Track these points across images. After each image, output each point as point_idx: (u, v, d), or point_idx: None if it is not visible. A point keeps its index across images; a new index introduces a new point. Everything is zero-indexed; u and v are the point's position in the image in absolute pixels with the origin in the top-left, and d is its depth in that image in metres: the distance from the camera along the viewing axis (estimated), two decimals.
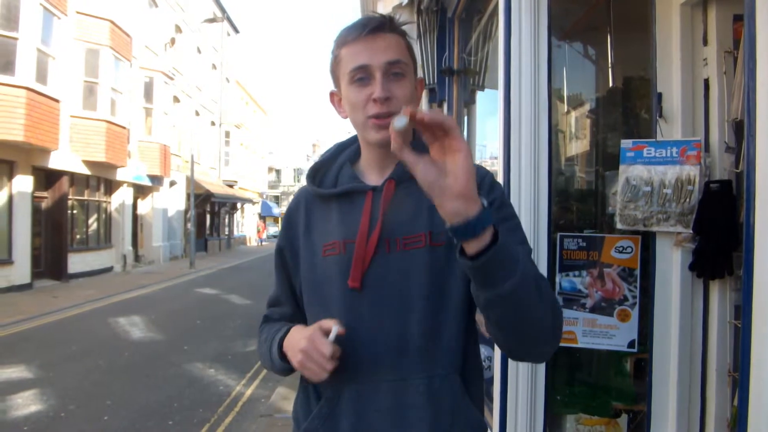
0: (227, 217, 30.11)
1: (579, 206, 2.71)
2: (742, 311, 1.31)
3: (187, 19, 21.85)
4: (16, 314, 8.90)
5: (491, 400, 2.33)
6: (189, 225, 19.96)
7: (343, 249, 1.05)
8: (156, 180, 18.43)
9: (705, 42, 1.93)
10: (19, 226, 11.82)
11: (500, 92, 2.26)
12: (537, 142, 2.14)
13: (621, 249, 2.16)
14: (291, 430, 1.14)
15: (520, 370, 2.16)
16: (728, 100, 1.83)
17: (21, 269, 11.84)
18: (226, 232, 30.07)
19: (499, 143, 2.28)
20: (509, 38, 2.18)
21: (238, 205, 32.09)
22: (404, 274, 1.01)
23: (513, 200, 2.06)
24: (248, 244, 35.97)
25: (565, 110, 2.93)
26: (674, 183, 1.94)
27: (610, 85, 2.67)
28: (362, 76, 1.01)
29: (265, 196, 43.81)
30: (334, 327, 0.95)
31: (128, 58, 15.38)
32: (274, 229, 48.79)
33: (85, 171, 14.19)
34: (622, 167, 2.05)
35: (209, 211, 26.15)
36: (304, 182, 1.22)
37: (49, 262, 13.28)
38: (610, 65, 2.63)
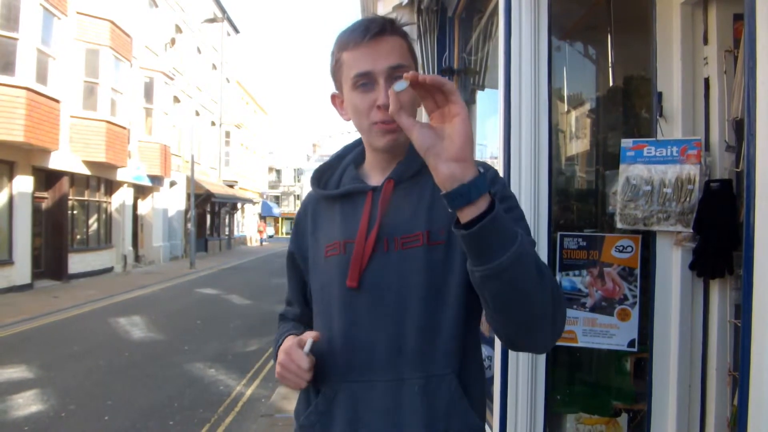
0: (227, 217, 30.11)
1: (579, 205, 2.72)
2: (742, 310, 1.31)
3: (187, 19, 21.85)
4: (17, 314, 8.91)
5: (491, 399, 2.33)
6: (189, 225, 19.96)
7: (343, 249, 1.06)
8: (156, 180, 18.44)
9: (705, 41, 1.93)
10: (20, 227, 11.83)
11: (500, 92, 2.26)
12: (537, 142, 2.14)
13: (621, 248, 2.16)
14: (292, 430, 1.14)
15: (520, 369, 2.16)
16: (728, 99, 1.83)
17: (21, 269, 11.84)
18: (227, 233, 30.07)
19: (499, 143, 2.28)
20: (509, 38, 2.18)
21: (239, 205, 32.10)
22: (402, 274, 1.01)
23: None
24: (249, 244, 35.97)
25: (566, 110, 2.92)
26: (674, 182, 1.94)
27: (611, 84, 2.67)
28: (365, 81, 1.01)
29: (265, 196, 43.82)
30: (309, 339, 1.00)
31: (128, 58, 15.38)
32: (271, 230, 48.86)
33: (86, 171, 14.20)
34: (622, 166, 2.05)
35: (209, 212, 26.15)
36: (304, 182, 1.24)
37: (50, 263, 13.28)
38: (610, 64, 2.63)
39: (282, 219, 56.03)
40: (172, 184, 20.71)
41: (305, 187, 51.29)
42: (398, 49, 1.02)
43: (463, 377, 1.01)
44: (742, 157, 1.70)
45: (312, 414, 1.06)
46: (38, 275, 12.59)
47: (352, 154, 1.18)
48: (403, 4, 4.04)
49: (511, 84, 2.16)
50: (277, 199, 55.20)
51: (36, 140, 11.24)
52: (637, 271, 2.14)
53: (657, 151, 1.98)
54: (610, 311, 2.16)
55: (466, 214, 0.78)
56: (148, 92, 17.48)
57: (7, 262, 11.47)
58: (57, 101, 12.10)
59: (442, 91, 0.78)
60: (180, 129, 20.97)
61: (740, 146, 1.76)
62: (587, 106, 2.91)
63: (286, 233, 55.54)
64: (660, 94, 2.01)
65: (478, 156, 3.81)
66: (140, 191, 18.42)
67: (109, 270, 15.91)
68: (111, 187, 16.38)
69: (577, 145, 2.89)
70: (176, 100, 20.51)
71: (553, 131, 2.27)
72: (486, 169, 1.05)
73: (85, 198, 15.20)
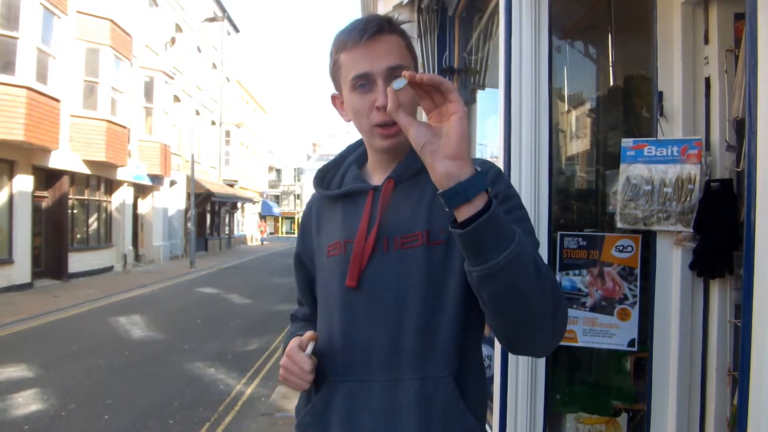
0: (227, 216, 30.12)
1: (579, 205, 2.71)
2: (742, 310, 1.31)
3: (187, 18, 21.85)
4: (17, 314, 8.91)
5: (491, 398, 2.33)
6: (189, 224, 19.97)
7: (344, 249, 1.06)
8: (156, 179, 18.44)
9: (706, 40, 1.93)
10: (20, 226, 11.83)
11: (501, 91, 2.26)
12: (537, 141, 2.14)
13: (621, 248, 2.15)
14: (292, 428, 1.14)
15: (520, 368, 2.16)
16: (729, 98, 1.83)
17: (21, 269, 11.84)
18: (227, 232, 30.08)
19: (499, 142, 2.28)
20: (510, 37, 2.18)
21: (239, 205, 32.11)
22: (401, 274, 1.00)
23: None
24: (249, 243, 35.98)
25: (566, 109, 2.92)
26: (675, 182, 1.93)
27: (611, 83, 2.67)
28: (364, 83, 1.00)
29: (265, 196, 43.84)
30: (311, 342, 1.02)
31: (128, 57, 15.38)
32: (270, 229, 48.96)
33: (86, 170, 14.20)
34: (622, 166, 2.05)
35: (209, 211, 26.16)
36: (304, 182, 1.25)
37: (50, 262, 13.29)
38: (610, 64, 2.63)
39: (282, 218, 56.07)
40: (172, 183, 20.71)
41: (305, 187, 51.38)
42: (396, 48, 1.01)
43: (461, 380, 0.99)
44: (742, 156, 1.70)
45: (309, 414, 1.06)
46: (38, 274, 12.59)
47: (355, 154, 1.18)
48: (404, 3, 4.04)
49: (511, 83, 2.16)
50: (277, 199, 55.21)
51: (36, 139, 11.24)
52: (637, 271, 2.13)
53: (657, 150, 1.98)
54: (610, 311, 2.16)
55: (463, 213, 0.78)
56: (149, 91, 17.48)
57: (7, 261, 11.47)
58: (57, 100, 12.10)
59: (440, 90, 0.78)
60: (180, 128, 20.97)
61: (741, 146, 1.76)
62: (587, 106, 2.90)
63: (286, 232, 55.65)
64: (660, 94, 2.01)
65: (478, 156, 3.81)
66: (140, 190, 18.43)
67: (109, 269, 15.92)
68: (111, 186, 16.38)
69: (578, 145, 2.89)
70: (176, 99, 20.51)
71: (554, 131, 2.27)
72: (488, 168, 1.04)
73: (85, 197, 15.20)
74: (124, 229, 17.06)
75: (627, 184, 2.02)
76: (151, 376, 5.62)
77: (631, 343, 2.14)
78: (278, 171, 56.95)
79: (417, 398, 0.97)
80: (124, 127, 15.18)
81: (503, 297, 0.83)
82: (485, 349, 2.60)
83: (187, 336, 7.58)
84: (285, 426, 4.17)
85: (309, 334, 1.04)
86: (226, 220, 29.99)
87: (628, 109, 2.59)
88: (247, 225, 36.99)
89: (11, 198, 11.65)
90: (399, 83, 0.79)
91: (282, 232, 55.89)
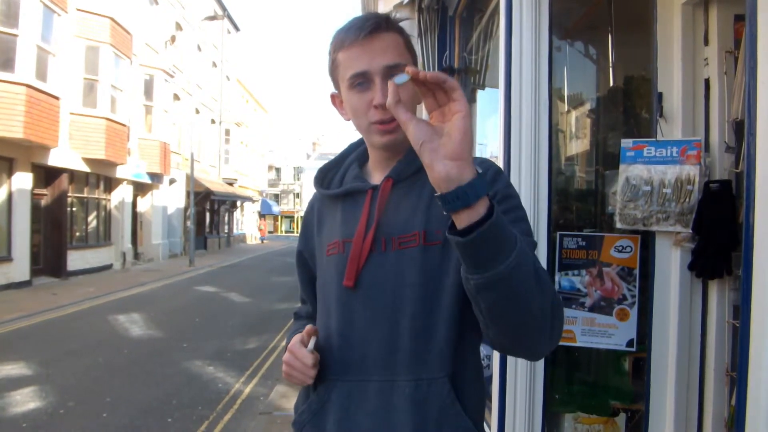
0: (227, 215, 30.11)
1: (579, 205, 2.72)
2: (741, 311, 1.31)
3: (187, 16, 21.82)
4: (16, 311, 8.90)
5: (490, 398, 2.34)
6: (189, 223, 19.96)
7: (342, 248, 1.06)
8: (156, 178, 18.43)
9: (706, 42, 1.93)
10: (19, 224, 11.81)
11: (501, 91, 2.26)
12: (537, 141, 2.14)
13: (620, 248, 2.16)
14: (291, 427, 1.14)
15: (518, 368, 2.16)
16: (729, 100, 1.83)
17: (20, 266, 11.84)
18: (226, 230, 30.07)
19: (499, 142, 2.28)
20: (510, 37, 2.18)
21: (238, 203, 32.10)
22: (398, 274, 1.00)
23: None
24: (248, 241, 35.97)
25: (566, 109, 2.93)
26: (674, 183, 1.94)
27: (611, 84, 2.68)
28: (362, 81, 1.00)
29: (265, 195, 43.83)
30: (312, 337, 1.02)
31: (128, 55, 15.37)
32: (269, 227, 49.05)
33: (85, 168, 14.19)
34: (622, 167, 2.05)
35: (209, 209, 26.15)
36: (303, 180, 1.25)
37: (49, 260, 13.28)
38: (610, 64, 2.63)
39: (281, 217, 56.06)
40: (172, 181, 20.70)
41: (305, 186, 51.35)
42: (394, 46, 1.01)
43: (457, 381, 0.98)
44: (741, 157, 1.70)
45: (305, 412, 1.06)
46: (37, 272, 12.58)
47: (356, 153, 1.18)
48: (404, 2, 4.05)
49: (511, 83, 2.17)
50: (277, 198, 55.19)
51: (35, 137, 11.22)
52: (636, 271, 2.14)
53: (657, 151, 1.98)
54: (608, 311, 2.17)
55: (463, 219, 0.74)
56: (148, 90, 17.46)
57: (6, 258, 11.46)
58: (57, 98, 12.08)
59: (444, 88, 0.74)
60: (180, 127, 20.95)
61: (740, 147, 1.76)
62: (587, 106, 2.91)
63: (286, 231, 55.64)
64: (660, 95, 2.01)
65: (477, 155, 3.80)
66: (140, 189, 18.41)
67: (108, 267, 15.91)
68: (110, 184, 16.37)
69: (577, 145, 2.89)
70: (176, 97, 20.50)
71: (553, 131, 2.27)
72: (487, 167, 1.03)
73: (85, 195, 15.19)
74: (124, 228, 17.05)
75: (626, 185, 2.03)
76: (149, 374, 5.62)
77: (629, 344, 2.15)
78: (278, 170, 56.92)
79: (411, 399, 0.97)
80: (124, 125, 15.17)
81: (502, 305, 0.80)
82: (484, 349, 2.60)
83: (186, 334, 7.57)
84: (284, 425, 4.17)
85: (309, 329, 1.04)
86: (226, 218, 29.98)
87: (628, 109, 2.60)
88: (247, 224, 36.98)
89: (10, 196, 11.63)
90: (401, 78, 0.75)
91: (281, 231, 55.89)
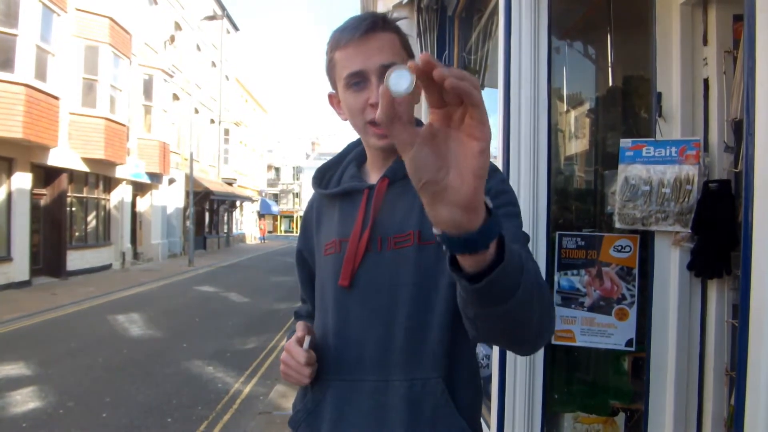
0: (226, 214, 30.10)
1: (578, 205, 2.72)
2: (740, 310, 1.31)
3: (186, 16, 21.82)
4: (15, 311, 8.90)
5: (489, 398, 2.34)
6: (188, 223, 19.96)
7: (339, 248, 1.06)
8: (155, 177, 18.42)
9: (705, 42, 1.93)
10: (18, 223, 11.81)
11: (500, 91, 2.26)
12: (536, 141, 2.14)
13: (619, 248, 2.16)
14: None
15: (518, 368, 2.17)
16: (728, 99, 1.84)
17: (20, 266, 11.83)
18: (225, 230, 30.06)
19: (498, 142, 2.28)
20: (509, 37, 2.18)
21: (237, 203, 32.09)
22: (393, 274, 1.00)
23: None
24: (248, 241, 35.96)
25: (565, 109, 2.93)
26: (673, 182, 1.94)
27: (610, 84, 2.68)
28: (358, 80, 1.00)
29: (264, 194, 43.81)
30: (307, 336, 1.02)
31: (128, 55, 15.36)
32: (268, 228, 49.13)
33: (84, 168, 14.18)
34: (621, 166, 2.05)
35: (208, 209, 26.14)
36: (303, 180, 1.25)
37: (48, 260, 13.27)
38: (609, 64, 2.63)
39: (281, 217, 56.06)
40: (171, 181, 20.69)
41: (304, 185, 51.36)
42: (390, 45, 1.01)
43: (451, 382, 0.98)
44: (740, 157, 1.70)
45: (301, 411, 1.07)
46: (36, 272, 12.57)
47: (354, 153, 1.18)
48: (403, 2, 4.04)
49: (510, 83, 2.17)
50: (276, 197, 55.17)
51: (35, 137, 11.22)
52: (636, 271, 2.14)
53: (656, 151, 1.99)
54: (608, 311, 2.17)
55: (470, 263, 0.62)
56: (148, 89, 17.45)
57: (6, 258, 11.45)
58: (56, 98, 12.07)
59: (465, 101, 0.54)
60: (179, 126, 20.95)
61: (739, 147, 1.76)
62: (586, 106, 2.91)
63: (285, 231, 55.64)
64: (659, 95, 2.01)
65: None
66: (139, 188, 18.40)
67: (108, 267, 15.90)
68: (110, 184, 16.36)
69: (576, 145, 2.89)
70: (175, 97, 20.49)
71: (553, 131, 2.27)
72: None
73: (84, 195, 15.18)
74: (123, 227, 17.04)
75: (625, 185, 2.03)
76: (149, 374, 5.62)
77: (629, 343, 2.15)
78: (277, 169, 56.90)
79: (405, 399, 0.97)
80: (123, 125, 15.16)
81: (499, 328, 0.74)
82: (484, 349, 2.61)
83: (185, 334, 7.57)
84: (283, 424, 4.17)
85: (305, 328, 1.05)
86: (225, 218, 29.97)
87: (627, 109, 2.60)
88: (246, 223, 36.97)
89: (10, 195, 11.62)
90: (400, 83, 0.55)
91: (280, 231, 55.89)
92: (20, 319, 8.40)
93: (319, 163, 1.24)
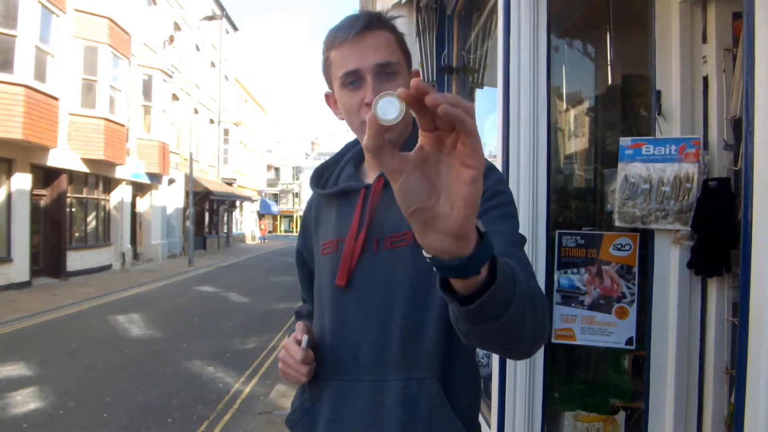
0: (226, 215, 30.10)
1: (578, 204, 2.72)
2: (740, 308, 1.31)
3: (185, 16, 21.81)
4: (15, 312, 8.90)
5: (489, 397, 2.34)
6: (188, 223, 19.95)
7: (336, 247, 1.06)
8: (155, 178, 18.42)
9: (704, 40, 1.93)
10: (18, 224, 11.81)
11: (499, 90, 2.26)
12: (536, 140, 2.14)
13: (619, 246, 2.16)
14: None
15: (518, 367, 2.17)
16: (727, 97, 1.84)
17: (20, 267, 11.83)
18: (225, 230, 30.06)
19: (497, 141, 2.28)
20: (508, 36, 2.18)
21: (237, 203, 32.09)
22: (389, 273, 1.00)
23: None
24: (248, 241, 35.95)
25: (564, 108, 2.92)
26: (673, 181, 1.94)
27: (609, 82, 2.67)
28: (353, 80, 1.00)
29: (263, 194, 43.82)
30: (305, 335, 1.03)
31: (127, 55, 15.35)
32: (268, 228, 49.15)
33: (84, 169, 14.18)
34: (620, 165, 2.05)
35: (208, 209, 26.14)
36: (302, 180, 1.25)
37: (48, 260, 13.27)
38: (609, 63, 2.63)
39: (280, 217, 56.07)
40: (171, 181, 20.69)
41: (304, 185, 51.33)
42: (386, 44, 1.00)
43: (447, 382, 0.98)
44: (740, 155, 1.70)
45: (298, 410, 1.08)
46: (37, 273, 12.57)
47: (352, 152, 1.18)
48: (402, 2, 4.04)
49: (510, 82, 2.17)
50: (276, 197, 55.17)
51: (34, 138, 11.21)
52: (635, 269, 2.14)
53: (655, 149, 1.98)
54: (608, 309, 2.17)
55: (461, 285, 0.61)
56: (147, 90, 17.45)
57: (6, 259, 11.45)
58: (55, 99, 12.07)
59: (458, 127, 0.51)
60: (178, 127, 20.95)
61: (738, 145, 1.76)
62: (586, 105, 2.91)
63: (285, 231, 55.65)
64: (659, 93, 2.01)
65: None
66: (139, 189, 18.40)
67: (108, 267, 15.90)
68: (109, 184, 16.36)
69: (576, 144, 2.89)
70: (175, 97, 20.48)
71: (552, 129, 2.27)
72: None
73: (84, 195, 15.18)
74: (123, 228, 17.04)
75: (625, 183, 2.03)
76: (149, 375, 5.62)
77: (629, 342, 2.15)
78: (277, 169, 56.90)
79: (401, 400, 0.96)
80: (123, 126, 15.16)
81: (492, 340, 0.73)
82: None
83: (185, 334, 7.57)
84: (283, 424, 4.16)
85: (302, 327, 1.06)
86: (225, 218, 29.97)
87: (627, 107, 2.60)
88: (246, 223, 36.97)
89: (9, 196, 11.63)
90: (387, 111, 0.52)
91: (280, 231, 55.90)
92: (20, 319, 8.40)
93: (319, 163, 1.24)
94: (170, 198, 20.99)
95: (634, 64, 2.58)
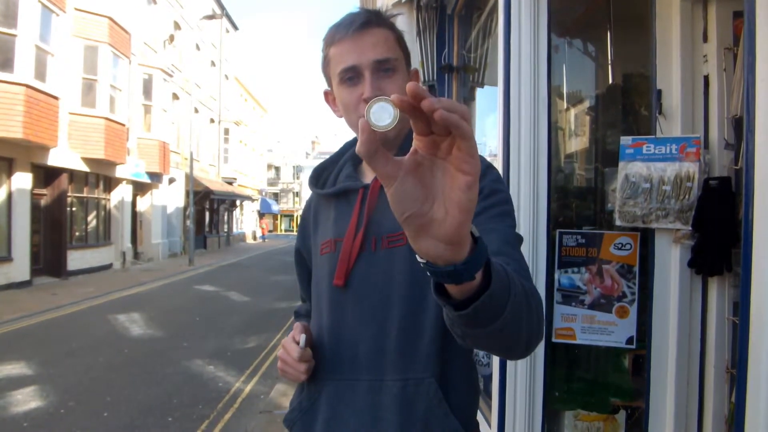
0: (226, 214, 30.10)
1: (578, 203, 2.72)
2: (740, 308, 1.31)
3: (186, 15, 21.81)
4: (16, 311, 8.91)
5: (489, 396, 2.34)
6: (188, 222, 19.96)
7: (334, 247, 1.06)
8: (155, 177, 18.42)
9: (705, 39, 1.93)
10: (18, 224, 11.81)
11: (500, 89, 2.26)
12: (536, 139, 2.14)
13: (620, 246, 2.16)
14: None
15: (518, 366, 2.17)
16: (728, 96, 1.83)
17: (20, 266, 11.83)
18: (225, 229, 30.07)
19: (498, 140, 2.28)
20: (509, 35, 2.18)
21: (237, 202, 32.10)
22: (387, 273, 1.00)
23: (512, 197, 2.06)
24: (248, 240, 35.96)
25: (565, 107, 2.92)
26: (673, 180, 1.94)
27: (610, 81, 2.67)
28: (351, 76, 1.00)
29: (264, 193, 43.82)
30: (302, 334, 1.03)
31: (127, 55, 15.35)
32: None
33: (84, 168, 14.18)
34: (621, 164, 2.05)
35: (208, 208, 26.14)
36: (303, 179, 1.25)
37: (49, 260, 13.28)
38: (609, 62, 2.63)
39: (281, 216, 56.09)
40: (171, 181, 20.69)
41: (304, 185, 51.35)
42: (384, 41, 1.01)
43: (444, 382, 0.98)
44: (741, 154, 1.70)
45: (296, 410, 1.08)
46: (37, 272, 12.58)
47: (351, 152, 1.18)
48: (402, 1, 4.04)
49: (510, 81, 2.16)
50: (276, 196, 55.17)
51: (35, 137, 11.22)
52: (636, 269, 2.14)
53: (656, 148, 1.98)
54: (608, 308, 2.17)
55: (455, 291, 0.61)
56: (147, 89, 17.45)
57: (6, 258, 11.46)
58: (56, 98, 12.07)
59: (454, 133, 0.50)
60: (179, 126, 20.95)
61: (739, 144, 1.76)
62: (586, 104, 2.91)
63: (285, 230, 55.67)
64: (659, 92, 2.01)
65: None
66: (139, 188, 18.41)
67: (108, 267, 15.90)
68: (110, 184, 16.37)
69: (577, 143, 2.89)
70: (175, 97, 20.48)
71: (553, 128, 2.27)
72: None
73: (84, 195, 15.18)
74: (123, 227, 17.05)
75: (626, 182, 2.03)
76: (150, 374, 5.62)
77: (629, 341, 2.15)
78: (277, 169, 56.91)
79: (398, 399, 0.96)
80: (123, 125, 15.16)
81: (488, 343, 0.74)
82: None
83: (186, 333, 7.58)
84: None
85: (300, 326, 1.06)
86: (225, 217, 29.98)
87: (627, 107, 2.59)
88: (246, 223, 36.99)
89: (10, 196, 11.63)
90: (382, 117, 0.52)
91: (281, 230, 55.93)
92: (21, 319, 8.41)
93: (319, 162, 1.24)
94: (171, 197, 20.99)
95: (634, 63, 2.58)
